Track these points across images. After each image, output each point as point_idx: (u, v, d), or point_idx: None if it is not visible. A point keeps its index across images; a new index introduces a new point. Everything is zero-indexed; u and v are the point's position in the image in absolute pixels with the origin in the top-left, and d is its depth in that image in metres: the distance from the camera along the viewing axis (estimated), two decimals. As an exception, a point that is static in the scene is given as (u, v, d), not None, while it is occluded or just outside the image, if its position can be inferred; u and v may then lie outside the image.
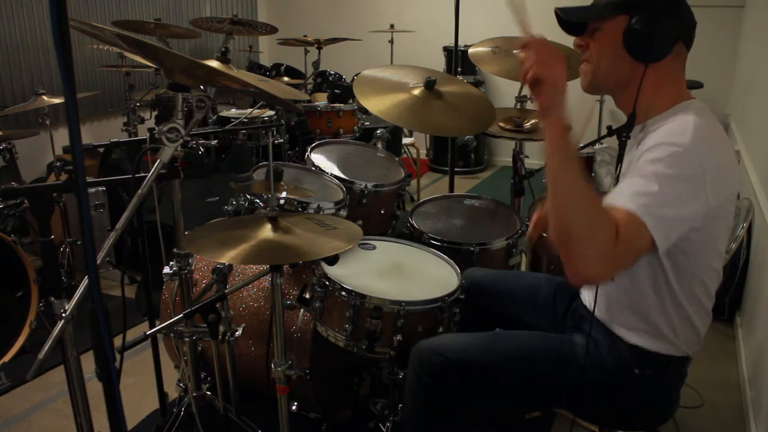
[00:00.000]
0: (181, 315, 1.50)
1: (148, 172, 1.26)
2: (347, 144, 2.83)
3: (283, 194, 1.91)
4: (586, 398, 1.39)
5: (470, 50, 2.52)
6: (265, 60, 6.28)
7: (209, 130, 2.83)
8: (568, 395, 1.41)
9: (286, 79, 4.64)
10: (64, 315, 1.07)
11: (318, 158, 2.47)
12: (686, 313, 1.28)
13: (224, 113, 3.81)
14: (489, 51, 2.51)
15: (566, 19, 1.31)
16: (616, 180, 1.38)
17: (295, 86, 3.85)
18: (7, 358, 2.37)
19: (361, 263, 1.82)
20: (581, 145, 2.88)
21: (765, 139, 2.65)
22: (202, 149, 1.88)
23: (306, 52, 4.80)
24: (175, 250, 1.63)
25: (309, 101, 3.96)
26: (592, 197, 1.10)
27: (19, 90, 4.08)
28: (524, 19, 1.18)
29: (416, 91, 2.17)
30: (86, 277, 0.98)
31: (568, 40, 1.40)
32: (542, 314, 1.61)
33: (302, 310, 1.89)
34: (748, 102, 3.50)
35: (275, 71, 4.98)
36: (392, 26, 5.07)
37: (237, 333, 1.64)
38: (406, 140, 4.75)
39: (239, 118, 3.62)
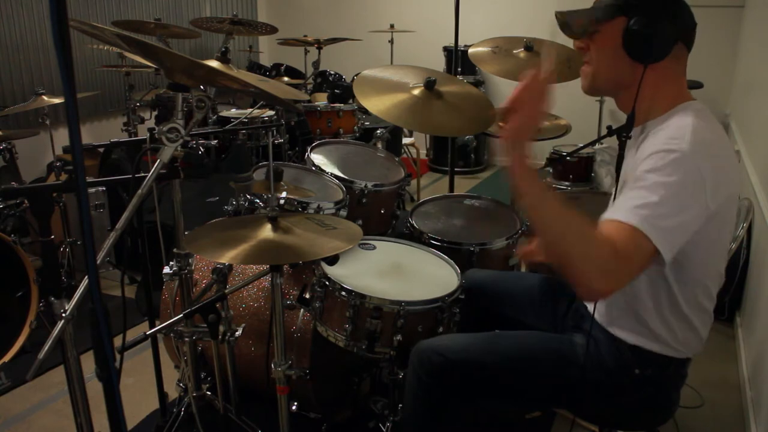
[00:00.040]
0: (181, 315, 1.50)
1: (148, 172, 1.26)
2: (347, 144, 2.83)
3: (283, 194, 1.91)
4: (586, 398, 1.39)
5: (470, 50, 2.52)
6: (265, 60, 6.28)
7: (209, 130, 2.83)
8: (568, 395, 1.41)
9: (286, 79, 4.64)
10: (64, 315, 1.06)
11: (318, 158, 2.47)
12: (687, 317, 1.28)
13: (224, 113, 3.81)
14: (489, 51, 2.51)
15: (566, 22, 1.32)
16: (616, 181, 1.38)
17: (295, 86, 3.85)
18: (7, 358, 2.37)
19: (361, 263, 1.82)
20: (581, 145, 2.88)
21: (765, 139, 2.65)
22: (202, 149, 1.88)
23: (306, 52, 4.80)
24: (175, 250, 1.63)
25: (309, 101, 3.96)
26: (576, 219, 1.11)
27: (19, 90, 4.08)
28: (546, 67, 1.19)
29: (416, 91, 2.17)
30: (86, 277, 0.98)
31: (568, 40, 1.40)
32: (542, 315, 1.62)
33: (302, 310, 1.89)
34: (748, 102, 3.50)
35: (275, 71, 4.98)
36: (392, 26, 5.07)
37: (237, 333, 1.64)
38: (406, 140, 4.75)
39: (239, 118, 3.62)
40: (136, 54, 2.20)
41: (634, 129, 1.32)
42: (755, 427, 2.05)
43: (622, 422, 1.47)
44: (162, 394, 2.00)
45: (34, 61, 4.18)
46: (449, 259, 1.87)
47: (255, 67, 5.18)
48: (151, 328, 1.51)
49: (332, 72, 4.49)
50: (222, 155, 3.60)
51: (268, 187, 1.92)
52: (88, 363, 1.03)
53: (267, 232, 1.42)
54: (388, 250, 1.93)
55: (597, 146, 3.84)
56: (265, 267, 1.69)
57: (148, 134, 1.57)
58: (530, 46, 2.46)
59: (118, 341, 1.20)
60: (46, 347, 1.04)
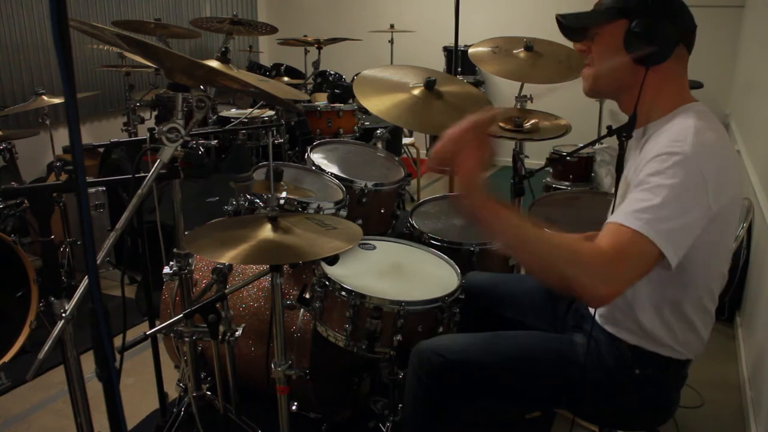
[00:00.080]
0: (181, 315, 1.50)
1: (148, 172, 1.26)
2: (347, 144, 2.83)
3: (283, 194, 1.91)
4: (586, 398, 1.39)
5: (470, 50, 2.52)
6: (265, 60, 6.28)
7: (209, 130, 2.83)
8: (568, 395, 1.41)
9: (286, 79, 4.64)
10: (63, 315, 1.07)
11: (318, 158, 2.47)
12: (689, 318, 1.27)
13: (224, 113, 3.81)
14: (489, 51, 2.51)
15: (567, 25, 1.32)
16: (617, 181, 1.38)
17: (295, 86, 3.85)
18: (7, 358, 2.37)
19: (361, 263, 1.82)
20: (581, 145, 2.88)
21: (765, 139, 2.65)
22: (202, 149, 1.88)
23: (306, 52, 4.80)
24: (175, 250, 1.63)
25: (309, 101, 3.96)
26: (556, 236, 1.13)
27: (19, 90, 4.08)
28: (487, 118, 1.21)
29: (416, 91, 2.17)
30: (86, 277, 0.98)
31: (568, 41, 1.40)
32: (542, 316, 1.62)
33: (302, 310, 1.89)
34: (748, 102, 3.50)
35: (275, 71, 4.98)
36: (392, 26, 5.07)
37: (237, 333, 1.64)
38: (406, 140, 4.75)
39: (239, 118, 3.62)
40: (136, 54, 2.20)
41: (635, 131, 1.32)
42: (755, 427, 2.05)
43: (622, 422, 1.47)
44: (162, 394, 2.00)
45: (34, 61, 4.18)
46: (449, 259, 1.87)
47: (255, 67, 5.18)
48: (151, 328, 1.51)
49: (332, 72, 4.49)
50: (222, 155, 3.60)
51: (268, 187, 1.92)
52: (88, 363, 1.03)
53: (267, 232, 1.43)
54: (388, 250, 1.93)
55: (597, 146, 3.85)
56: (265, 267, 1.69)
57: (148, 134, 1.57)
58: (530, 46, 2.46)
59: (118, 341, 1.20)
60: (46, 347, 1.04)
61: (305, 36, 4.55)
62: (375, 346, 1.60)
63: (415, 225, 2.22)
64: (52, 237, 2.51)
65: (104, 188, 3.18)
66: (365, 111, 3.78)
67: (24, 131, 3.55)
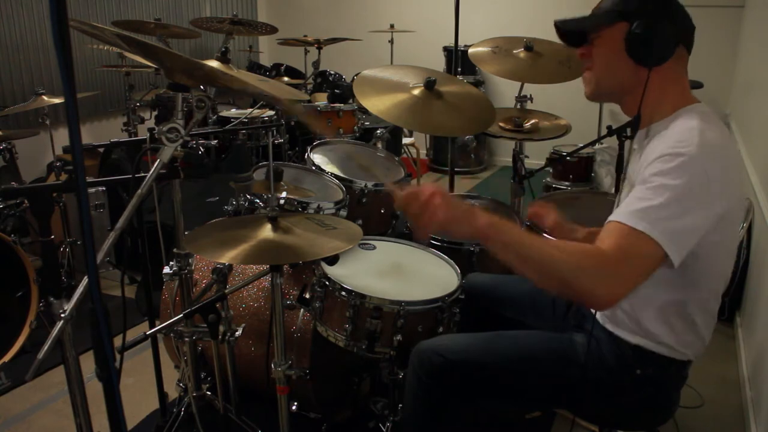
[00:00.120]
0: (181, 315, 1.50)
1: (148, 172, 1.26)
2: (347, 144, 2.83)
3: (283, 194, 1.91)
4: (586, 398, 1.39)
5: (470, 50, 2.52)
6: (265, 60, 6.28)
7: (209, 130, 2.83)
8: (569, 395, 1.41)
9: (286, 79, 4.64)
10: (62, 315, 1.06)
11: (318, 158, 2.47)
12: (692, 319, 1.27)
13: (224, 113, 3.81)
14: (489, 51, 2.52)
15: (566, 30, 1.33)
16: (617, 181, 1.38)
17: (295, 86, 3.85)
18: (7, 358, 2.37)
19: (361, 263, 1.82)
20: (581, 145, 2.88)
21: (765, 139, 2.65)
22: (202, 149, 1.88)
23: (306, 52, 4.80)
24: (175, 250, 1.63)
25: (309, 101, 3.96)
26: (551, 240, 1.14)
27: (19, 90, 4.08)
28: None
29: (416, 91, 2.17)
30: (86, 277, 0.98)
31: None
32: (542, 317, 1.61)
33: (302, 310, 1.89)
34: (748, 102, 3.50)
35: (275, 71, 4.98)
36: (392, 26, 5.07)
37: (237, 333, 1.64)
38: (406, 140, 4.75)
39: (239, 118, 3.63)
40: (137, 54, 2.19)
41: (638, 132, 1.32)
42: (755, 427, 2.05)
43: (622, 422, 1.47)
44: (162, 394, 2.00)
45: (34, 61, 4.18)
46: (449, 259, 1.87)
47: (255, 67, 5.18)
48: (151, 328, 1.51)
49: (332, 72, 4.49)
50: (222, 155, 3.60)
51: (268, 187, 1.92)
52: (89, 363, 1.03)
53: (267, 232, 1.43)
54: (388, 250, 1.93)
55: (597, 146, 3.85)
56: (265, 267, 1.69)
57: (148, 134, 1.57)
58: (530, 46, 2.46)
59: (118, 341, 1.20)
60: (45, 347, 1.04)
61: (305, 36, 4.55)
62: (375, 346, 1.60)
63: (415, 225, 2.22)
64: (52, 237, 2.51)
65: (104, 188, 3.18)
66: (365, 111, 3.78)
67: (24, 131, 3.55)
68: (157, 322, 2.00)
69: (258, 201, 2.01)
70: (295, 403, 1.65)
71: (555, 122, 2.67)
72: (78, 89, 1.07)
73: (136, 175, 1.28)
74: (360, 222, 2.10)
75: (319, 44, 4.37)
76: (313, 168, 2.38)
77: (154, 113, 4.07)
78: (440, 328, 1.63)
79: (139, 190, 1.21)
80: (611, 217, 1.16)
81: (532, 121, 2.58)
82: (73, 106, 0.88)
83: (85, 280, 1.01)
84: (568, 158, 3.67)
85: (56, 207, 2.93)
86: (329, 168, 2.39)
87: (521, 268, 1.15)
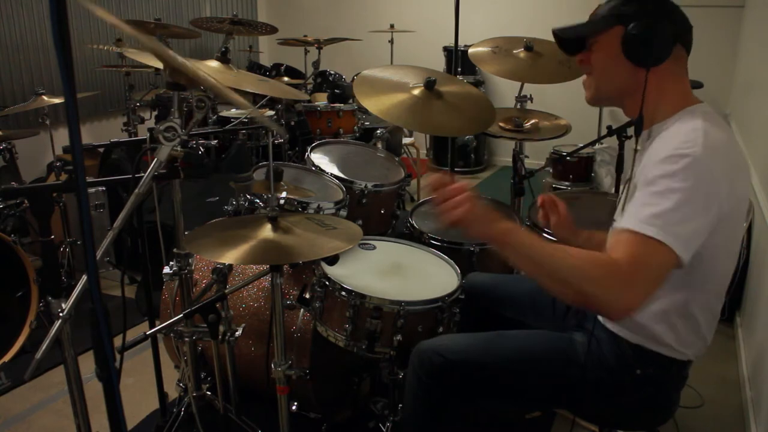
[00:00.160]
0: (181, 315, 1.50)
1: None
2: (347, 144, 2.83)
3: (283, 194, 1.91)
4: (586, 398, 1.39)
5: (470, 50, 2.52)
6: (265, 60, 6.27)
7: (209, 130, 2.83)
8: (569, 395, 1.41)
9: (286, 79, 4.64)
10: (61, 315, 1.06)
11: (318, 158, 2.47)
12: (694, 319, 1.27)
13: (224, 113, 3.81)
14: (489, 51, 2.51)
15: (564, 37, 1.34)
16: (617, 181, 1.38)
17: (295, 86, 3.85)
18: (7, 358, 2.37)
19: (361, 263, 1.82)
20: (581, 145, 2.88)
21: (765, 139, 2.65)
22: (202, 149, 1.87)
23: (306, 52, 4.80)
24: (175, 250, 1.63)
25: (309, 101, 3.96)
26: (568, 253, 1.14)
27: (19, 90, 4.08)
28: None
29: (416, 91, 2.17)
30: (84, 276, 0.98)
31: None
32: (543, 317, 1.61)
33: (302, 310, 1.89)
34: (748, 102, 3.50)
35: (275, 71, 4.98)
36: (392, 26, 5.07)
37: (237, 333, 1.64)
38: (406, 140, 4.75)
39: (239, 118, 3.62)
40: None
41: (641, 133, 1.32)
42: (755, 427, 2.05)
43: (622, 422, 1.47)
44: (162, 394, 2.00)
45: (34, 61, 4.18)
46: (449, 259, 1.87)
47: (255, 67, 5.18)
48: (151, 328, 1.51)
49: (332, 72, 4.49)
50: (222, 155, 3.60)
51: (268, 187, 1.92)
52: (89, 363, 1.03)
53: (267, 232, 1.43)
54: (388, 250, 1.93)
55: (597, 146, 3.85)
56: (265, 267, 1.69)
57: (148, 134, 1.57)
58: (530, 46, 2.46)
59: (118, 341, 1.20)
60: (44, 347, 1.04)
61: (305, 36, 4.54)
62: (375, 346, 1.60)
63: (415, 225, 2.22)
64: (52, 237, 2.51)
65: (104, 188, 3.18)
66: (365, 111, 3.78)
67: (24, 131, 3.55)
68: (157, 322, 2.00)
69: (258, 201, 2.01)
70: (295, 403, 1.65)
71: (555, 122, 2.67)
72: (78, 89, 1.07)
73: (136, 175, 1.28)
74: (360, 222, 2.10)
75: (319, 44, 4.37)
76: (313, 168, 2.38)
77: (154, 113, 4.07)
78: (440, 328, 1.63)
79: (137, 189, 1.21)
80: (620, 225, 1.16)
81: (532, 121, 2.58)
82: (73, 106, 0.88)
83: (83, 280, 1.01)
84: (568, 158, 3.67)
85: (56, 207, 2.93)
86: (329, 168, 2.39)
87: (536, 276, 1.16)
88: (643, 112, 1.27)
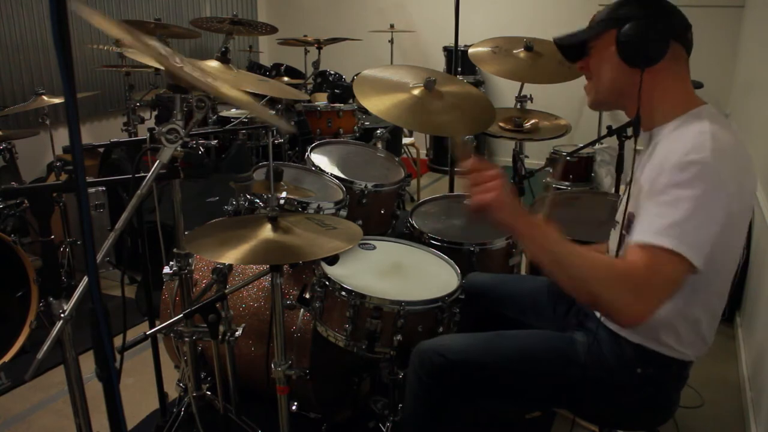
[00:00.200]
0: (181, 315, 1.50)
1: (148, 172, 1.26)
2: (347, 144, 2.83)
3: (283, 194, 1.91)
4: (586, 398, 1.39)
5: (470, 50, 2.52)
6: (265, 60, 6.27)
7: (209, 130, 2.83)
8: (569, 395, 1.41)
9: (286, 79, 4.64)
10: (62, 315, 1.06)
11: (318, 158, 2.47)
12: (697, 321, 1.28)
13: (224, 113, 3.81)
14: (489, 51, 2.51)
15: (563, 44, 1.37)
16: (617, 181, 1.38)
17: (295, 86, 3.85)
18: (7, 358, 2.37)
19: (361, 263, 1.82)
20: (581, 145, 2.88)
21: (765, 139, 2.65)
22: (202, 149, 1.88)
23: (306, 52, 4.80)
24: (175, 250, 1.63)
25: (309, 101, 3.95)
26: (589, 256, 1.16)
27: (19, 90, 4.08)
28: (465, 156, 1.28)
29: (416, 91, 2.17)
30: (86, 276, 0.98)
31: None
32: (543, 316, 1.62)
33: (302, 310, 1.89)
34: (748, 102, 3.50)
35: (275, 71, 4.97)
36: (392, 26, 5.07)
37: (237, 333, 1.64)
38: (406, 140, 4.75)
39: (239, 118, 3.62)
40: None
41: (642, 134, 1.32)
42: (755, 427, 2.05)
43: (622, 422, 1.47)
44: (162, 394, 2.00)
45: (34, 61, 4.18)
46: (449, 259, 1.87)
47: (255, 67, 5.18)
48: (151, 328, 1.52)
49: (332, 72, 4.49)
50: (222, 155, 3.60)
51: (268, 187, 1.92)
52: (89, 363, 1.03)
53: (267, 232, 1.42)
54: (388, 250, 1.93)
55: (597, 146, 3.85)
56: (265, 267, 1.69)
57: (148, 134, 1.57)
58: (530, 46, 2.46)
59: (118, 341, 1.20)
60: (45, 347, 1.04)
61: (305, 36, 4.54)
62: (375, 346, 1.60)
63: (415, 225, 2.22)
64: (52, 237, 2.51)
65: (104, 188, 3.18)
66: (365, 111, 3.78)
67: (24, 131, 3.55)
68: (157, 322, 2.00)
69: (258, 201, 2.01)
70: (295, 403, 1.65)
71: (555, 122, 2.67)
72: (78, 89, 1.07)
73: (136, 176, 1.28)
74: (360, 222, 2.10)
75: (319, 44, 4.37)
76: (313, 168, 2.38)
77: (154, 113, 4.07)
78: (440, 328, 1.63)
79: (139, 191, 1.21)
80: (635, 238, 1.16)
81: (532, 121, 2.58)
82: (73, 106, 0.88)
83: (85, 280, 1.01)
84: (568, 158, 3.67)
85: (56, 207, 2.93)
86: (329, 168, 2.39)
87: (554, 272, 1.17)
88: (640, 112, 1.27)
